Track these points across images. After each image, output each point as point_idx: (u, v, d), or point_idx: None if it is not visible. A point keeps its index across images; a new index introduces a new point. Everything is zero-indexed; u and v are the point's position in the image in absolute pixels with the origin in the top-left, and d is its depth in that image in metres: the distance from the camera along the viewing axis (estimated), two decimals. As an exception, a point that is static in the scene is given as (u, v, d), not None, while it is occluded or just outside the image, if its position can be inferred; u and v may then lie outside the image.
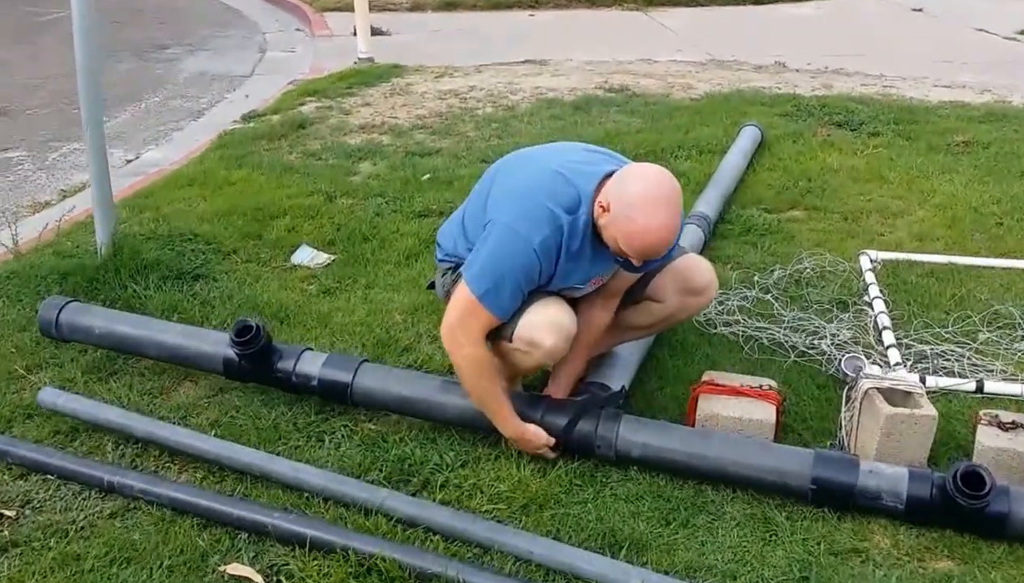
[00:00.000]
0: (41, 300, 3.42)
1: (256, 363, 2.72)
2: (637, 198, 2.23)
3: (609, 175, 2.34)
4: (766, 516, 2.38)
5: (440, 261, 2.70)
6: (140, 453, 2.59)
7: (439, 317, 2.67)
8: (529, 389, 2.82)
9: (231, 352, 2.72)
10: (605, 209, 2.27)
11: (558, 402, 2.58)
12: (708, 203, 4.35)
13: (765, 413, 2.59)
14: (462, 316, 2.39)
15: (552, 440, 2.50)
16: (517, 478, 2.48)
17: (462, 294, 2.39)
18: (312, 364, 2.72)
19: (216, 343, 2.73)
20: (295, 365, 2.72)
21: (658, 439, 2.47)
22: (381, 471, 2.51)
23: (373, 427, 2.71)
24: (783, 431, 2.72)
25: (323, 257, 3.92)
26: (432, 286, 2.81)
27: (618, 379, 2.73)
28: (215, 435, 2.66)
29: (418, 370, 3.03)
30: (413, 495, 2.42)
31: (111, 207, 3.68)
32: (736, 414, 2.59)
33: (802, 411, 2.84)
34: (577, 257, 2.38)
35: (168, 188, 4.86)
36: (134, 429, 2.58)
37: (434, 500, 2.39)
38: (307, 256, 3.92)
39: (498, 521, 2.32)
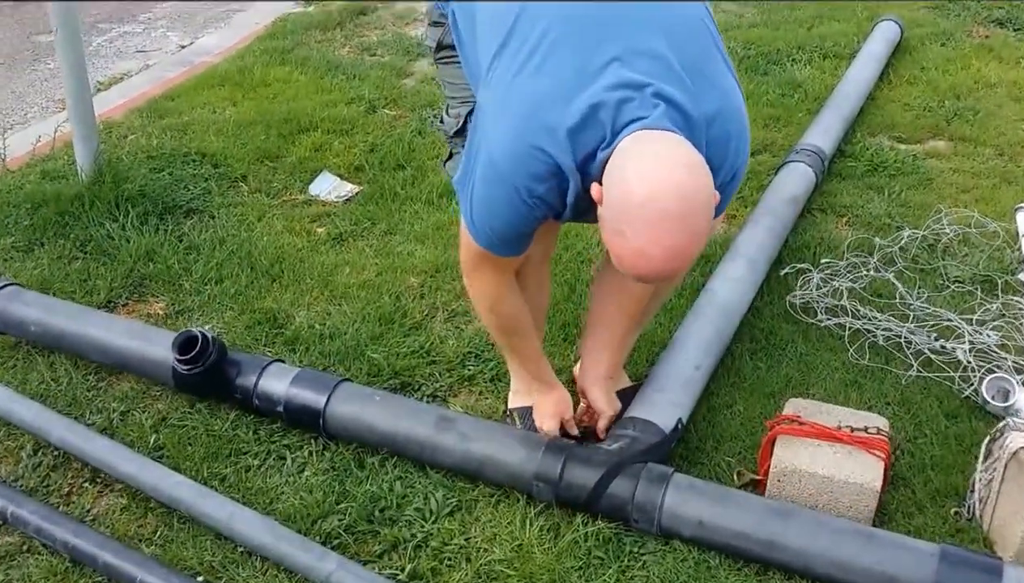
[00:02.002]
0: (7, 237, 2.93)
1: (207, 381, 2.15)
2: (633, 207, 1.43)
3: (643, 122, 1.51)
4: (855, 630, 1.70)
5: None
6: (59, 463, 2.08)
7: (462, 285, 2.11)
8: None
9: (180, 364, 2.16)
10: (600, 196, 1.51)
11: (584, 453, 1.92)
12: (825, 131, 3.51)
13: (867, 474, 1.88)
14: (473, 259, 1.84)
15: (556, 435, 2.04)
16: (519, 542, 1.87)
17: (468, 237, 1.79)
18: (278, 381, 2.12)
19: (167, 347, 2.16)
20: (257, 382, 2.13)
21: (718, 516, 1.80)
22: (344, 516, 1.92)
23: (349, 445, 2.12)
24: (892, 484, 2.01)
25: (346, 189, 3.30)
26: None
27: (669, 409, 2.03)
28: (156, 439, 2.13)
29: (424, 357, 2.41)
30: (377, 559, 1.84)
31: (92, 126, 3.12)
32: (826, 472, 1.88)
33: (921, 453, 2.11)
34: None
35: (198, 88, 4.28)
36: (50, 435, 2.06)
37: (401, 572, 1.80)
38: (327, 186, 3.30)
39: (478, 619, 1.72)
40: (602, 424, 2.04)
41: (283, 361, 2.26)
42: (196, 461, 2.06)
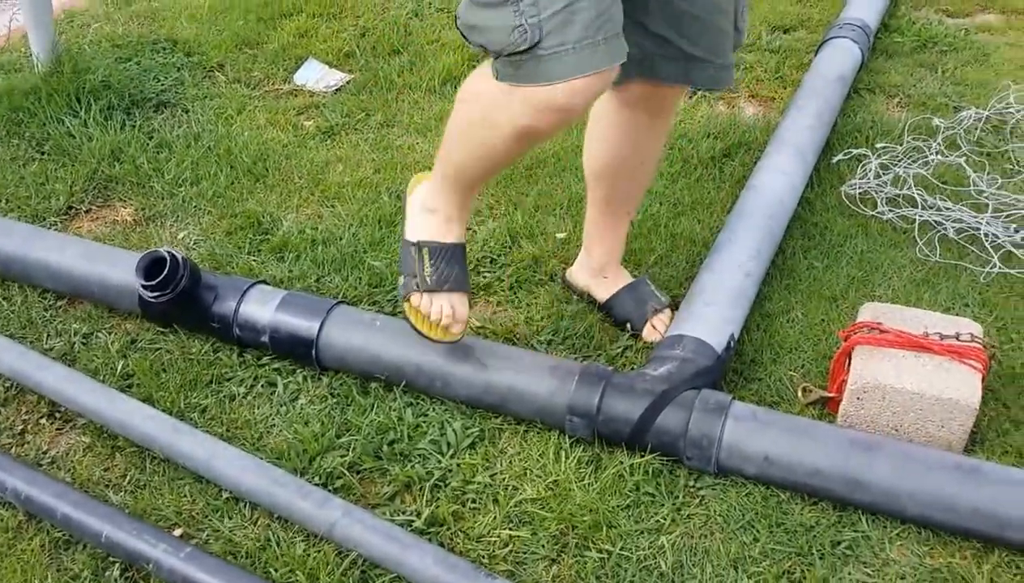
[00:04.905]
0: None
1: (179, 308, 1.83)
2: None
3: None
4: (957, 575, 1.43)
5: None
6: (12, 397, 1.78)
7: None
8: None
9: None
10: None
11: (625, 381, 1.62)
12: (868, 4, 3.14)
13: (964, 388, 1.59)
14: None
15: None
16: (553, 478, 1.59)
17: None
18: (262, 306, 1.81)
19: (131, 269, 1.83)
20: (238, 308, 1.82)
21: (788, 450, 1.51)
22: (347, 451, 1.64)
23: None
24: (982, 399, 1.73)
25: (335, 77, 2.93)
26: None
27: (720, 325, 1.73)
28: (124, 365, 1.83)
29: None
30: (388, 502, 1.56)
31: (48, 9, 2.73)
32: (915, 387, 1.59)
33: (1010, 361, 1.83)
34: None
35: (167, -28, 3.86)
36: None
37: (417, 517, 1.52)
38: (314, 75, 2.94)
39: (511, 574, 1.45)
40: None
41: (267, 283, 1.94)
42: (171, 390, 1.77)
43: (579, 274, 1.99)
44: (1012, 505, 1.41)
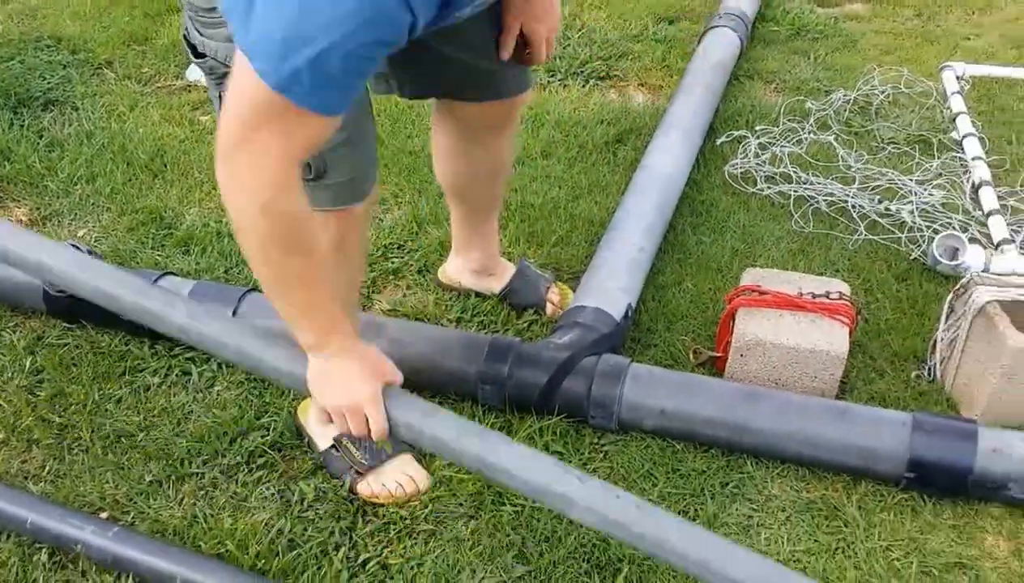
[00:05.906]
0: None
1: (86, 303, 1.83)
2: None
3: None
4: (830, 505, 1.59)
5: None
6: (-82, 398, 1.77)
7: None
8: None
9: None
10: None
11: (532, 349, 1.72)
12: (747, -6, 3.34)
13: (833, 340, 1.75)
14: (251, 118, 1.08)
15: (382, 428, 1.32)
16: (467, 444, 1.68)
17: (246, 81, 1.05)
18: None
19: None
20: (146, 301, 1.84)
21: (682, 404, 1.64)
22: (268, 431, 1.69)
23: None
24: (850, 351, 1.90)
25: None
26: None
27: (618, 295, 1.86)
28: (33, 361, 1.83)
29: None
30: (311, 475, 1.62)
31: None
32: (792, 342, 1.75)
33: (875, 318, 2.01)
34: None
35: (44, -31, 3.77)
36: (-99, 366, 1.75)
37: (341, 486, 1.59)
38: (207, 70, 2.94)
39: (432, 532, 1.53)
40: None
41: (175, 274, 1.96)
42: (84, 383, 1.78)
43: (459, 276, 2.01)
44: (877, 440, 1.58)
